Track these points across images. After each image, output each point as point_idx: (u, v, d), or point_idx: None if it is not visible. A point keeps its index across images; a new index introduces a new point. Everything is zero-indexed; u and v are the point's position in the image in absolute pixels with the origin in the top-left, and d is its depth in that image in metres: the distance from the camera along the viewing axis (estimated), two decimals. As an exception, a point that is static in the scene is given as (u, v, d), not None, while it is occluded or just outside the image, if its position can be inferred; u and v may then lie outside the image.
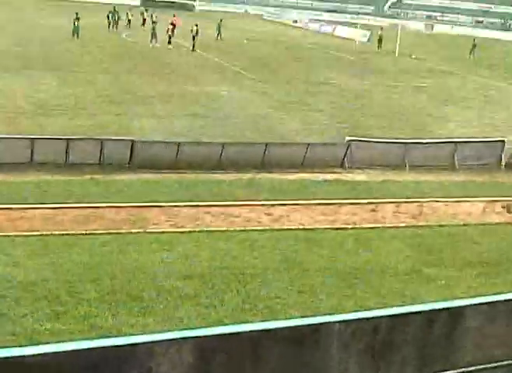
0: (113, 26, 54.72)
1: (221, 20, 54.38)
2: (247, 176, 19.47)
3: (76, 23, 47.62)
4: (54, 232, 14.41)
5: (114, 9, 56.25)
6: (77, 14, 48.52)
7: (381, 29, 57.61)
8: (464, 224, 16.93)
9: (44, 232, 14.38)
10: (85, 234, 14.50)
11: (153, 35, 46.92)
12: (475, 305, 8.65)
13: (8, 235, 14.15)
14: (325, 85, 36.23)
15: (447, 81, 40.99)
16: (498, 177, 21.58)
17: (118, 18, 55.42)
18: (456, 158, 22.03)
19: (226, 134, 23.40)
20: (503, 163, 22.45)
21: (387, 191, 19.01)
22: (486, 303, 8.68)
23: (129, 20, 56.84)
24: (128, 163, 19.45)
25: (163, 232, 14.92)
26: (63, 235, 14.36)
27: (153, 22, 50.10)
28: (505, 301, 8.75)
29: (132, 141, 19.59)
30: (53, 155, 18.99)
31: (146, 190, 17.58)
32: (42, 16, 61.35)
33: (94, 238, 14.30)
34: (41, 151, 18.85)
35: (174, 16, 51.94)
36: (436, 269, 14.08)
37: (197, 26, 46.75)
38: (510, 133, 26.62)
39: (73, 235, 14.41)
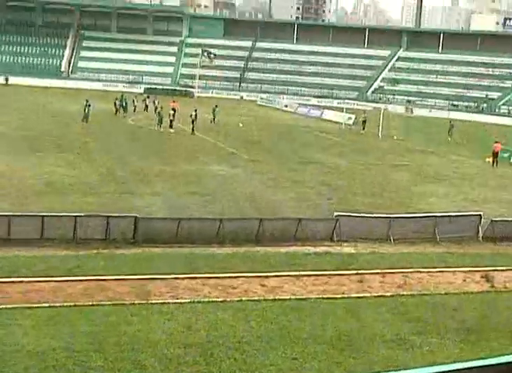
0: (121, 111, 55.59)
1: (216, 106, 55.21)
2: (243, 249, 19.49)
3: (87, 109, 48.33)
4: (62, 304, 14.36)
5: (122, 97, 57.29)
6: (87, 101, 49.33)
7: (365, 112, 58.62)
8: (446, 293, 16.91)
9: (53, 304, 14.32)
10: (92, 305, 14.43)
11: (160, 120, 47.52)
12: (458, 369, 8.60)
13: (19, 307, 14.08)
14: (314, 163, 36.61)
15: (426, 160, 41.46)
16: (476, 249, 21.63)
17: (126, 104, 56.48)
18: (437, 231, 22.14)
19: (223, 210, 23.53)
20: (481, 235, 22.55)
21: (374, 263, 19.04)
22: (470, 368, 8.63)
23: (135, 106, 57.92)
24: (132, 238, 19.50)
25: (164, 303, 14.86)
26: (71, 306, 14.30)
27: (156, 108, 51.05)
28: (487, 366, 8.70)
29: (136, 218, 19.69)
30: (62, 231, 19.06)
31: (149, 264, 17.58)
32: (55, 103, 62.27)
33: (100, 309, 14.23)
34: (51, 228, 18.93)
35: (174, 102, 52.88)
36: (421, 336, 14.01)
37: (196, 111, 47.50)
38: (486, 207, 26.86)
39: (80, 306, 14.34)
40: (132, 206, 23.18)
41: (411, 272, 18.32)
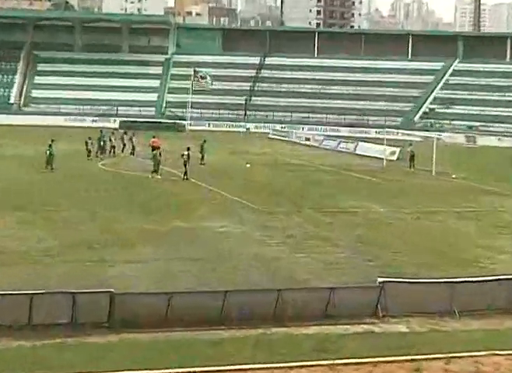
0: (95, 152, 56.04)
1: (204, 141, 55.60)
2: (257, 331, 19.36)
3: (49, 152, 48.65)
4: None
5: (101, 134, 57.90)
6: (52, 141, 49.85)
7: (411, 144, 58.85)
8: (534, 383, 16.65)
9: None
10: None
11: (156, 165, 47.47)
12: None
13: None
14: (346, 214, 36.63)
15: (498, 205, 41.33)
16: None
17: (104, 143, 57.11)
18: (516, 299, 21.92)
19: (227, 280, 23.39)
20: None
21: (433, 344, 18.84)
22: None
23: (113, 146, 58.33)
24: (107, 321, 19.38)
25: (150, 407, 14.69)
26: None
27: (133, 147, 51.55)
28: None
29: (111, 294, 19.60)
30: (13, 314, 18.92)
31: (130, 355, 17.43)
32: (6, 145, 62.73)
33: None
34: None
35: (154, 137, 53.35)
36: None
37: (188, 150, 47.69)
38: None
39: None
40: (106, 278, 23.11)
41: (484, 355, 18.08)
